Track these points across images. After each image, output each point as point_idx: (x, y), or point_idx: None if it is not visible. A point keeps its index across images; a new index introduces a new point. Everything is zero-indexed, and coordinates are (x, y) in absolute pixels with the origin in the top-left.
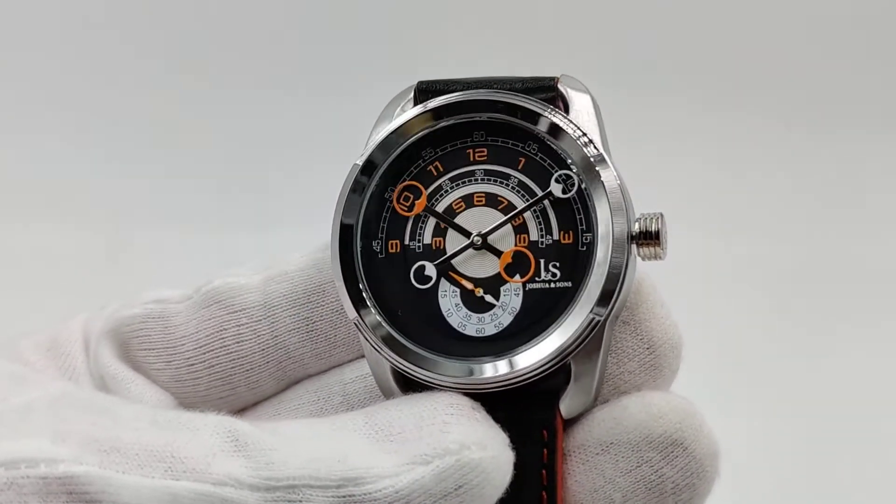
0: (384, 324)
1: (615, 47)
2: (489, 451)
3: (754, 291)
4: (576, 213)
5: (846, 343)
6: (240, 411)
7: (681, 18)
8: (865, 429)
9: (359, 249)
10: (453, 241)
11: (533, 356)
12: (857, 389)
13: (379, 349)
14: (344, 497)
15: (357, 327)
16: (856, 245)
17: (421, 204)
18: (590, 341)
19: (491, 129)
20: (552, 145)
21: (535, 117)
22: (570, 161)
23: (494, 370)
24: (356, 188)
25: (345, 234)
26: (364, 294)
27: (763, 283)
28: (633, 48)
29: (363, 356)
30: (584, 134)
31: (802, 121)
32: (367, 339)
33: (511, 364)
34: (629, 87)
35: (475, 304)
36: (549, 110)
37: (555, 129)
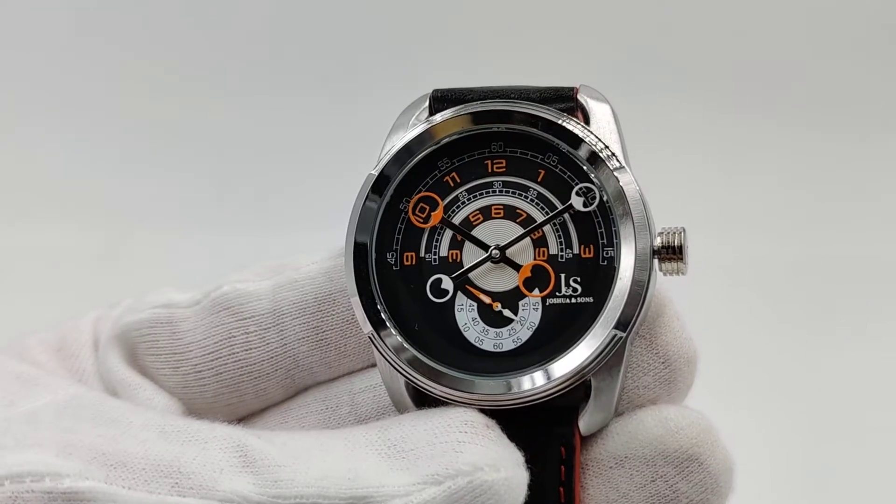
0: (405, 344)
1: (610, 48)
2: (502, 472)
3: (754, 292)
4: (597, 227)
5: (849, 344)
6: (246, 418)
7: (679, 19)
8: (870, 430)
9: (373, 262)
10: (470, 254)
11: (558, 371)
12: (861, 391)
13: (401, 370)
14: None
15: (371, 341)
16: (856, 245)
17: (437, 215)
18: (611, 358)
19: (509, 140)
20: (573, 157)
21: (555, 128)
22: (591, 174)
23: (531, 383)
24: (371, 199)
25: (359, 247)
26: (378, 306)
27: (763, 284)
28: (630, 49)
29: (373, 365)
30: (607, 147)
31: (802, 121)
32: (382, 355)
33: (548, 375)
34: (627, 88)
35: (493, 319)
36: (569, 121)
37: (575, 141)
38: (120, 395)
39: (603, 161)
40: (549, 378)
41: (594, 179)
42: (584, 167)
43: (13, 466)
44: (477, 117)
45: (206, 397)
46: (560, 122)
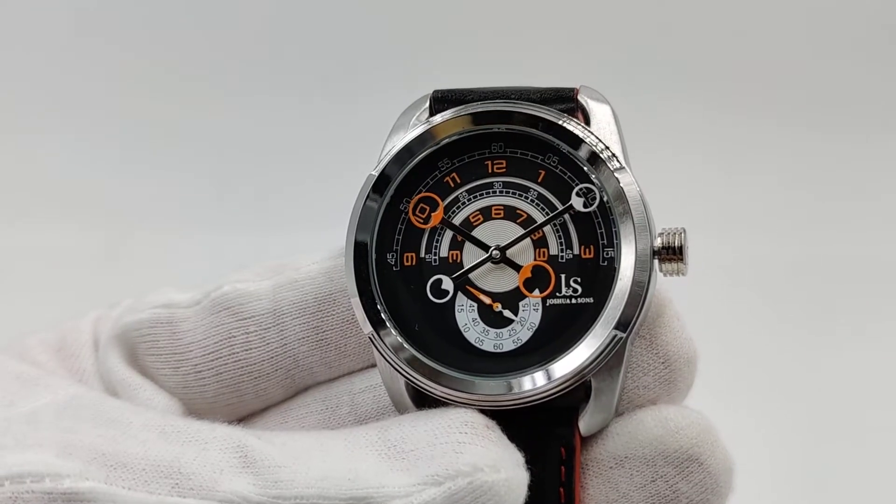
0: (405, 344)
1: (610, 48)
2: (502, 473)
3: (754, 292)
4: (597, 228)
5: (849, 344)
6: (247, 418)
7: (679, 19)
8: (870, 430)
9: (373, 262)
10: (471, 255)
11: (559, 371)
12: (861, 391)
13: (401, 370)
14: None
15: (372, 342)
16: (856, 245)
17: (437, 216)
18: (611, 358)
19: (510, 141)
20: (573, 157)
21: (555, 129)
22: (591, 174)
23: (532, 383)
24: (371, 199)
25: (359, 247)
26: (379, 307)
27: (763, 284)
28: (630, 49)
29: (373, 365)
30: (607, 147)
31: (802, 121)
32: (382, 356)
33: (548, 375)
34: (627, 88)
35: (493, 320)
36: (569, 121)
37: (575, 141)
38: (120, 396)
39: (603, 162)
40: (549, 378)
41: (594, 180)
42: (585, 168)
43: (13, 467)
44: (477, 118)
45: (207, 397)
46: (560, 122)
